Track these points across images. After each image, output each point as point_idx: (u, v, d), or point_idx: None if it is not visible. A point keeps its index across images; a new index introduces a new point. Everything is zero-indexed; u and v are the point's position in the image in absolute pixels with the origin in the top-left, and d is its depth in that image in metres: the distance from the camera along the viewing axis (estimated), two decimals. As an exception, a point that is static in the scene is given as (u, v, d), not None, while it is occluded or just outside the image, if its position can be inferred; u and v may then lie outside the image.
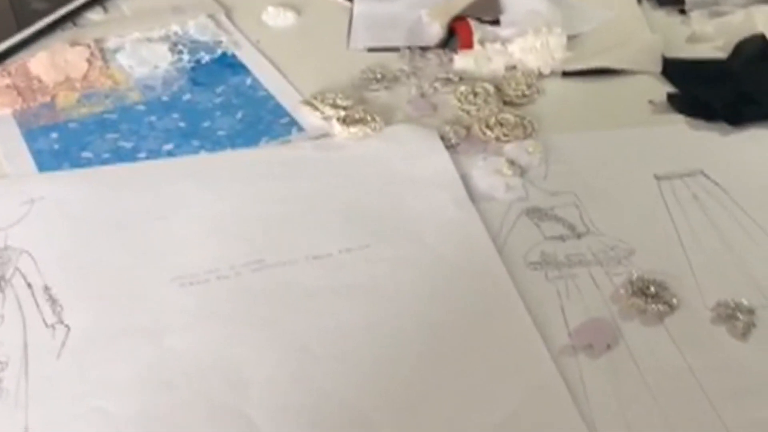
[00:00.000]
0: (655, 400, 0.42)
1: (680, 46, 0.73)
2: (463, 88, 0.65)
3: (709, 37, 0.73)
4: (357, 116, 0.62)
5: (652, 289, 0.47)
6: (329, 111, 0.63)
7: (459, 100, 0.64)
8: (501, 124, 0.61)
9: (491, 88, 0.65)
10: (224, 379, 0.42)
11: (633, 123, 0.63)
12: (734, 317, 0.46)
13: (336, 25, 0.76)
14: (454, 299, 0.48)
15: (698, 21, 0.75)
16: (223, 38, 0.73)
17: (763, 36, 0.70)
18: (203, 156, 0.58)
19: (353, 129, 0.61)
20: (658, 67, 0.68)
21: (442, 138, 0.60)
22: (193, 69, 0.69)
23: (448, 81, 0.67)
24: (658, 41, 0.70)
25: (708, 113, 0.62)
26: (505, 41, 0.70)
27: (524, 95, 0.65)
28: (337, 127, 0.61)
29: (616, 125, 0.63)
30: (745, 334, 0.45)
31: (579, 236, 0.52)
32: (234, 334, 0.45)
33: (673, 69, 0.69)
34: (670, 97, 0.64)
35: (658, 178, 0.57)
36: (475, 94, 0.65)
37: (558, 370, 0.43)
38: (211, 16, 0.76)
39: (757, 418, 0.41)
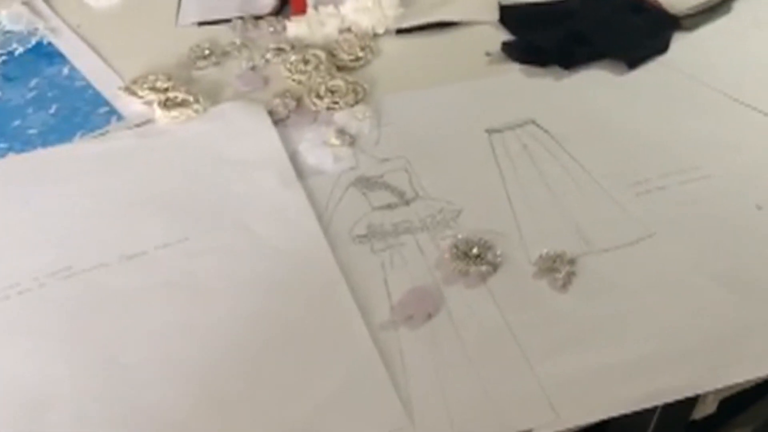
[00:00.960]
0: (470, 363, 0.41)
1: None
2: (294, 57, 0.63)
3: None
4: (179, 98, 0.58)
5: (475, 250, 0.46)
6: (150, 95, 0.59)
7: (289, 70, 0.61)
8: (332, 92, 0.59)
9: (322, 55, 0.62)
10: (20, 404, 0.39)
11: (470, 76, 0.62)
12: (555, 269, 0.45)
13: (165, 1, 0.73)
14: (278, 287, 0.45)
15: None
16: (39, 26, 0.68)
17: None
18: (8, 159, 0.54)
19: (174, 113, 0.57)
20: (495, 16, 0.67)
21: (271, 113, 0.57)
22: (4, 63, 0.64)
23: (280, 51, 0.64)
24: None
25: (542, 58, 0.61)
26: (338, 3, 0.68)
27: (358, 58, 0.63)
28: (158, 112, 0.58)
29: (453, 80, 0.61)
30: (565, 285, 0.45)
31: (407, 202, 0.51)
32: (33, 351, 0.42)
33: (510, 16, 0.67)
34: (505, 46, 0.63)
35: (489, 131, 0.56)
36: (306, 62, 0.62)
37: (377, 346, 0.42)
38: (26, 3, 0.70)
39: (569, 372, 0.41)
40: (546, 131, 0.56)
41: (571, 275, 0.45)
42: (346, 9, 0.66)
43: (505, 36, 0.66)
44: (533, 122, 0.57)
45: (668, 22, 0.65)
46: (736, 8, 0.67)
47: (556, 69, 0.61)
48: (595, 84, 0.60)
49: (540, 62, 0.62)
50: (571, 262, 0.46)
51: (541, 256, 0.46)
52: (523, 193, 0.51)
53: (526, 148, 0.55)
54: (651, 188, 0.51)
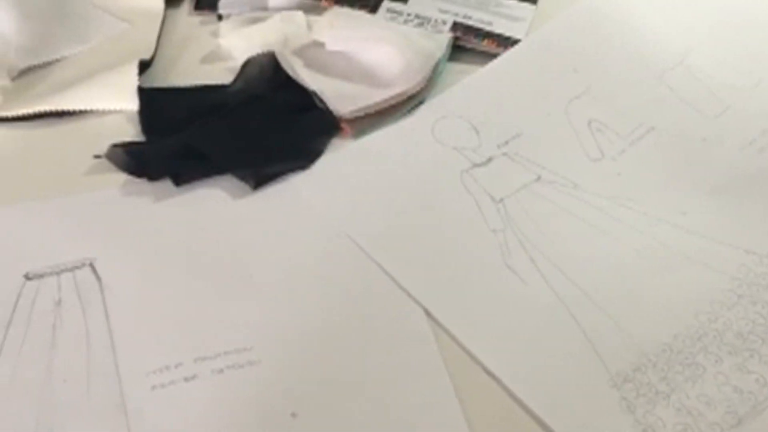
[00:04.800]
0: None
1: (193, 67, 0.59)
2: None
3: (227, 55, 0.60)
4: None
5: None
6: None
7: None
8: None
9: None
10: None
11: (66, 188, 0.49)
12: None
13: None
14: None
15: (228, 30, 0.62)
16: None
17: (272, 55, 0.58)
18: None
19: None
20: (132, 104, 0.54)
21: None
22: None
23: None
24: (132, 69, 0.54)
25: (150, 170, 0.49)
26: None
27: None
28: None
29: (41, 192, 0.48)
30: None
31: None
32: None
33: (152, 105, 0.54)
34: (111, 150, 0.50)
35: (28, 277, 0.43)
36: None
37: None
38: None
39: None
40: (99, 279, 0.44)
41: None
42: (-67, 90, 0.54)
43: (136, 132, 0.54)
44: (91, 265, 0.44)
45: (327, 126, 0.53)
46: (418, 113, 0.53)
47: (167, 185, 0.49)
48: (203, 210, 0.47)
49: (148, 175, 0.49)
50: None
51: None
52: (12, 381, 0.38)
53: (59, 306, 0.43)
54: (174, 379, 0.38)
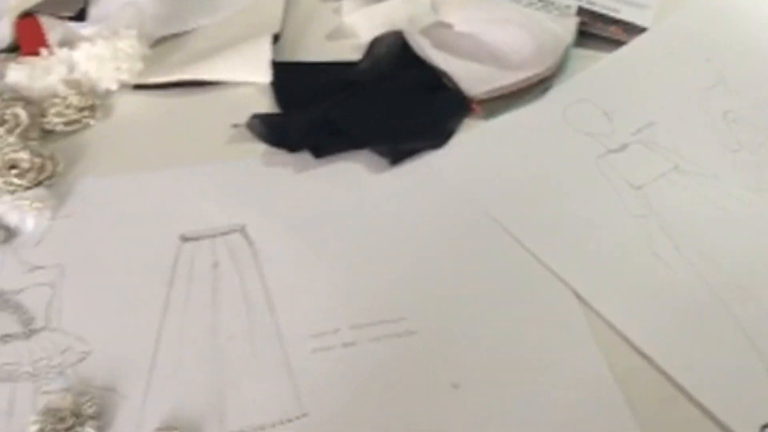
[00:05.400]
0: None
1: (319, 43, 0.60)
2: (-8, 113, 0.53)
3: (352, 32, 0.62)
4: None
5: (70, 421, 0.36)
6: None
7: (-21, 131, 0.52)
8: (12, 167, 0.49)
9: (23, 115, 0.50)
10: None
11: (207, 154, 0.50)
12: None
13: None
14: None
15: (351, 8, 0.64)
16: None
17: (401, 34, 0.59)
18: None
19: None
20: (265, 77, 0.56)
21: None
22: None
23: (-12, 101, 0.55)
24: (265, 43, 0.55)
25: (290, 141, 0.50)
26: (75, 46, 0.57)
27: (72, 122, 0.52)
28: None
29: (185, 158, 0.50)
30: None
31: (29, 334, 0.40)
32: None
33: (284, 78, 0.56)
34: (251, 120, 0.51)
35: (184, 239, 0.46)
36: (3, 122, 0.52)
37: None
38: None
39: None
40: (251, 244, 0.45)
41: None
42: (78, 56, 0.54)
43: (269, 104, 0.55)
44: (242, 230, 0.46)
45: (459, 107, 0.54)
46: (549, 96, 0.53)
47: (306, 156, 0.51)
48: (344, 182, 0.48)
49: (288, 146, 0.50)
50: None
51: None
52: (180, 337, 0.40)
53: (216, 268, 0.45)
54: (331, 345, 0.40)
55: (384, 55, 0.57)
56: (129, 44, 0.54)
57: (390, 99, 0.54)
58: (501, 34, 0.58)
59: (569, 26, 0.58)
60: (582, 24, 0.59)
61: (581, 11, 0.60)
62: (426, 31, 0.59)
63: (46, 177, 0.48)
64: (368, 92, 0.54)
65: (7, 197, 0.46)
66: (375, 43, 0.58)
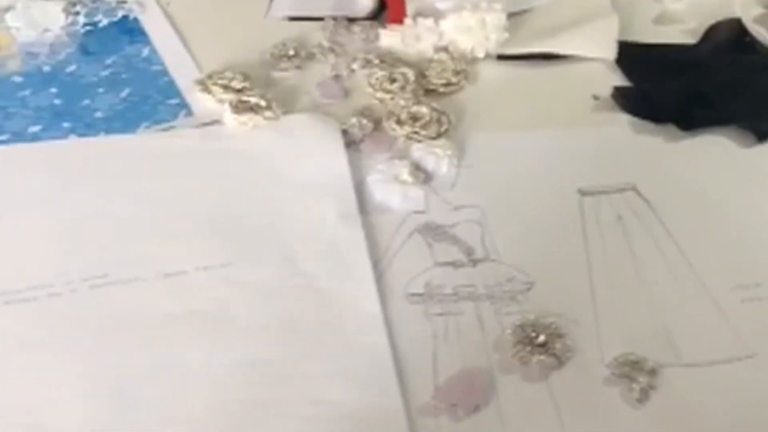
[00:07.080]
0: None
1: (645, 27, 0.63)
2: (380, 72, 0.58)
3: (679, 18, 0.65)
4: (251, 102, 0.55)
5: (542, 337, 0.41)
6: (222, 94, 0.56)
7: (373, 87, 0.56)
8: (414, 119, 0.54)
9: (411, 74, 0.57)
10: (19, 426, 0.37)
11: (571, 122, 0.55)
12: (631, 378, 0.39)
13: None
14: (313, 335, 0.42)
15: (672, -4, 0.67)
16: (129, -3, 0.66)
17: (738, 21, 0.62)
18: (66, 143, 0.51)
19: (243, 118, 0.53)
20: (611, 54, 0.60)
21: (345, 133, 0.53)
22: (86, 34, 0.62)
23: (367, 62, 0.59)
24: (613, 22, 0.60)
25: (657, 114, 0.54)
26: (439, 17, 0.62)
27: (449, 84, 0.57)
28: (227, 114, 0.54)
29: (551, 123, 0.55)
30: (640, 399, 0.38)
31: (475, 263, 0.45)
32: (44, 368, 0.39)
33: (628, 56, 0.60)
34: (616, 92, 0.55)
35: (582, 193, 0.50)
36: (393, 81, 0.57)
37: (411, 432, 0.38)
38: (119, -29, 0.69)
39: None
40: (647, 202, 0.49)
41: (649, 388, 0.39)
42: (446, 25, 0.60)
43: (617, 79, 0.58)
44: (634, 189, 0.50)
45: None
46: None
47: (671, 129, 0.54)
48: (715, 154, 0.52)
49: (654, 118, 0.54)
50: (652, 372, 0.39)
51: (616, 359, 0.40)
52: (609, 275, 0.44)
53: (621, 220, 0.48)
54: (762, 296, 0.44)
55: (724, 41, 0.61)
56: (497, 17, 0.59)
57: (742, 79, 0.57)
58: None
59: None
60: None
61: None
62: (758, 20, 0.62)
63: (444, 130, 0.53)
64: (716, 72, 0.58)
65: (419, 145, 0.52)
66: (713, 28, 0.61)
